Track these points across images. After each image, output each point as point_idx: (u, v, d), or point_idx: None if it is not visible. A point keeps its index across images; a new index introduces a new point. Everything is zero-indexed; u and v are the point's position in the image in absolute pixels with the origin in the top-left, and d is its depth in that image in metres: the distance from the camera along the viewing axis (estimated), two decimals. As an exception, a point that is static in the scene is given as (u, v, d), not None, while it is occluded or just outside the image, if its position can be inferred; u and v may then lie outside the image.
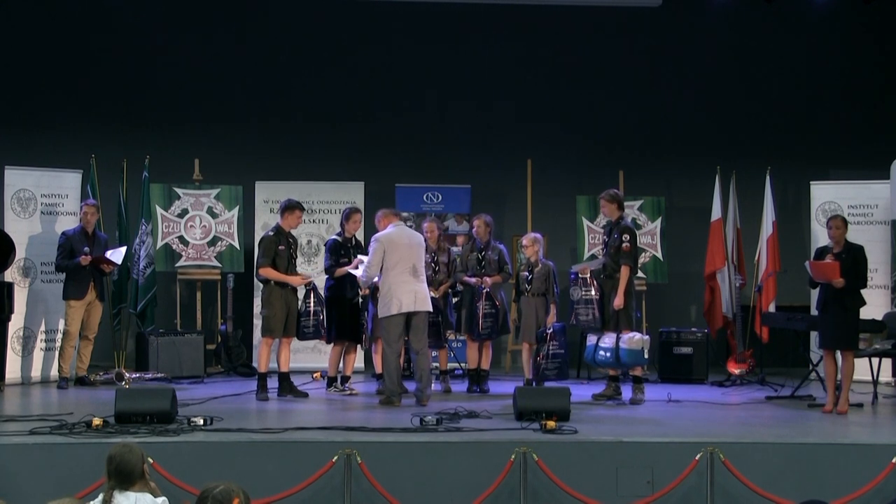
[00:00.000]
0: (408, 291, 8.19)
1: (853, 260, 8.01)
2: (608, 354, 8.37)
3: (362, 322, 8.86)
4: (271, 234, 8.77)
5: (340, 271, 8.72)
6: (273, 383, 8.73)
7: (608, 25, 11.99)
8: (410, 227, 9.22)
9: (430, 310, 8.36)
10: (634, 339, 8.33)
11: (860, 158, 11.37)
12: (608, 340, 8.39)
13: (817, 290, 8.31)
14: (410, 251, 8.29)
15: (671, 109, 11.95)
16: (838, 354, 8.12)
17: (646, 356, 8.43)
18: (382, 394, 8.82)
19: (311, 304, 8.66)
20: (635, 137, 11.86)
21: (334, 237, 8.97)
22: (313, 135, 11.80)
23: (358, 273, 8.56)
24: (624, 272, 8.39)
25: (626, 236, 8.45)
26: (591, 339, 8.56)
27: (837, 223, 8.14)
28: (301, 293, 8.82)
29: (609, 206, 8.62)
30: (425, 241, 8.88)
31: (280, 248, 8.65)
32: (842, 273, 7.89)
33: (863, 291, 8.17)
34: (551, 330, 8.92)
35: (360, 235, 9.40)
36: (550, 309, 9.02)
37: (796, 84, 12.02)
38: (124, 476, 4.16)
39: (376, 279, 8.33)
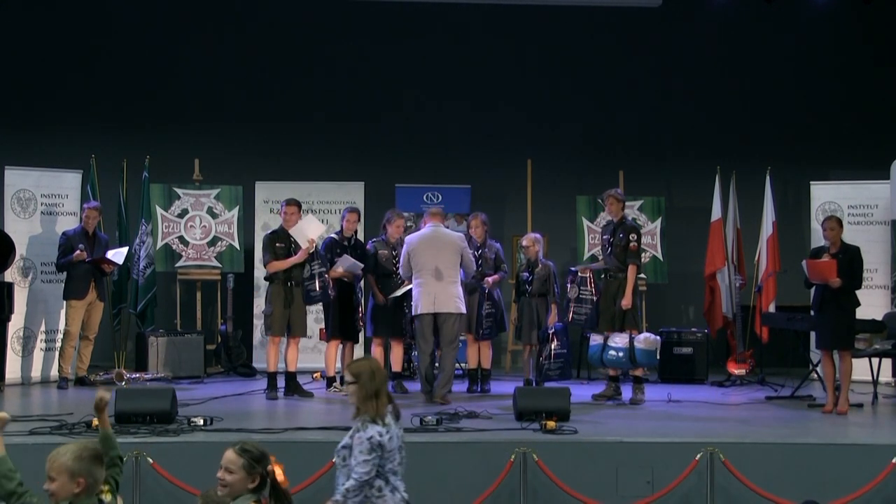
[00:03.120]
0: (427, 294, 8.31)
1: (850, 260, 8.00)
2: (621, 354, 8.35)
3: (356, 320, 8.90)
4: (269, 232, 8.94)
5: (333, 273, 8.73)
6: (279, 382, 8.75)
7: (608, 25, 12.00)
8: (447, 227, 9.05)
9: (455, 311, 8.34)
10: (650, 340, 8.38)
11: (860, 158, 11.37)
12: (619, 340, 8.36)
13: (813, 290, 8.31)
14: (435, 254, 8.34)
15: (671, 109, 11.96)
16: (836, 354, 8.13)
17: (657, 356, 8.51)
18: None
19: (316, 267, 8.66)
20: (635, 137, 11.86)
21: (332, 236, 9.01)
22: (313, 135, 11.80)
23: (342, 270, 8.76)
24: (631, 271, 8.39)
25: (633, 235, 8.46)
26: (597, 339, 8.54)
27: (832, 224, 8.11)
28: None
29: (617, 205, 8.61)
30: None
31: (278, 245, 8.70)
32: (838, 273, 7.88)
33: (862, 291, 8.17)
34: (553, 330, 8.92)
35: (360, 236, 9.44)
36: (551, 309, 9.02)
37: (796, 84, 12.02)
38: None
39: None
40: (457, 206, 10.98)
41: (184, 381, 9.61)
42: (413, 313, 8.45)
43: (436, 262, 8.31)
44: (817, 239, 10.05)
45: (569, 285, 8.74)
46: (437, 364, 8.55)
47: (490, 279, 9.02)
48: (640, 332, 8.46)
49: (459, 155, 11.75)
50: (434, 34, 12.00)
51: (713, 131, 11.92)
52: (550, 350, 8.88)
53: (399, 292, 8.85)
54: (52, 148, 10.96)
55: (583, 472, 6.39)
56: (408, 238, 8.63)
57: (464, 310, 8.47)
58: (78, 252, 9.11)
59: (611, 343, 8.40)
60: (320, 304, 9.09)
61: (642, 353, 8.33)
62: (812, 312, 8.46)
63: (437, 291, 8.29)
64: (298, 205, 8.90)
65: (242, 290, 10.75)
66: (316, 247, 8.68)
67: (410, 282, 8.58)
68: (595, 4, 11.83)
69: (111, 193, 10.58)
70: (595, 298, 8.56)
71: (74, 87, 11.56)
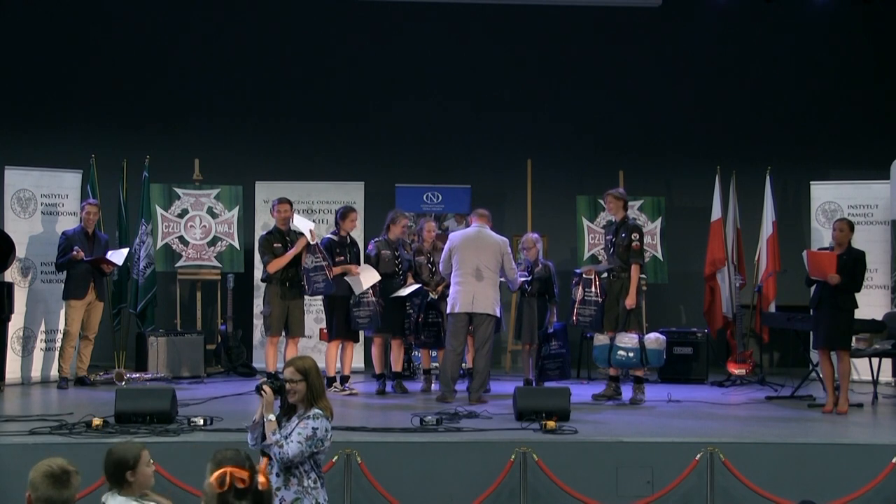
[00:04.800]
0: (466, 293, 8.30)
1: (853, 262, 7.97)
2: (631, 355, 8.33)
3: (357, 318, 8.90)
4: (264, 233, 9.02)
5: (335, 270, 8.73)
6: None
7: (608, 25, 12.00)
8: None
9: (491, 313, 8.34)
10: (660, 340, 8.42)
11: (860, 158, 11.37)
12: (628, 341, 8.35)
13: (813, 288, 8.30)
14: (477, 253, 8.35)
15: (671, 109, 11.95)
16: (834, 355, 8.12)
17: (664, 356, 8.55)
18: (382, 394, 8.88)
19: (319, 259, 8.66)
20: (635, 137, 11.85)
21: (329, 236, 8.99)
22: (313, 135, 11.80)
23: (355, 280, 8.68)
24: (634, 271, 8.39)
25: (635, 235, 8.45)
26: (601, 340, 8.51)
27: (842, 226, 8.05)
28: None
29: (615, 204, 8.61)
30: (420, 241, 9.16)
31: (276, 245, 8.75)
32: (838, 271, 7.86)
33: (862, 292, 8.16)
34: (552, 330, 8.92)
35: (360, 236, 9.43)
36: (551, 309, 9.02)
37: (796, 84, 12.02)
38: (111, 476, 4.11)
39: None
40: (457, 206, 10.98)
41: (184, 381, 9.61)
42: (448, 311, 8.43)
43: (477, 262, 8.31)
44: (817, 239, 10.08)
45: (573, 287, 8.73)
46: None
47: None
48: (642, 332, 8.45)
49: (459, 155, 11.75)
50: (434, 34, 12.00)
51: (713, 131, 11.92)
52: (549, 349, 8.88)
53: (403, 292, 8.83)
54: (52, 148, 10.97)
55: (583, 472, 6.39)
56: (451, 235, 8.67)
57: (498, 313, 8.47)
58: (75, 252, 9.10)
59: (619, 343, 8.38)
60: (320, 304, 9.11)
61: (654, 353, 8.37)
62: (811, 311, 8.45)
63: (475, 291, 8.29)
64: (290, 203, 8.99)
65: (242, 290, 10.75)
66: (318, 242, 8.72)
67: (448, 280, 8.56)
68: (595, 4, 11.83)
69: (111, 193, 10.58)
70: (600, 300, 8.55)
71: (74, 87, 11.56)
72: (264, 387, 4.48)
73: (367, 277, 8.70)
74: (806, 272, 8.18)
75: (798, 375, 9.56)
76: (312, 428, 4.41)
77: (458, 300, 8.32)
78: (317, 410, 4.47)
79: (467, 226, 8.83)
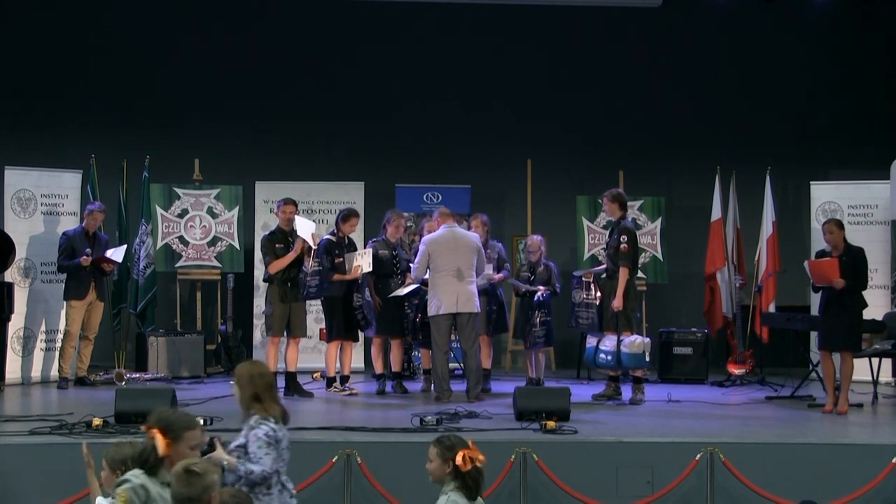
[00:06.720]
0: (449, 293, 8.33)
1: (853, 261, 7.97)
2: (609, 357, 8.35)
3: (359, 320, 8.89)
4: (266, 234, 9.02)
5: (339, 277, 8.72)
6: (279, 382, 8.75)
7: (608, 25, 12.00)
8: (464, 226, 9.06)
9: (475, 311, 8.40)
10: (636, 343, 8.32)
11: (860, 158, 11.37)
12: (608, 343, 8.36)
13: (819, 293, 8.28)
14: (455, 254, 8.39)
15: (671, 109, 11.95)
16: (836, 355, 8.11)
17: (647, 359, 8.45)
18: (382, 394, 8.88)
19: (316, 265, 8.67)
20: (635, 137, 11.85)
21: (327, 237, 8.96)
22: (313, 135, 11.80)
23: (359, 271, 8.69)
24: (622, 273, 8.36)
25: (623, 237, 8.41)
26: (591, 342, 8.55)
27: (831, 227, 8.05)
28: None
29: (610, 206, 8.61)
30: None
31: (277, 245, 8.75)
32: (841, 274, 7.86)
33: (864, 292, 8.16)
34: (539, 299, 8.94)
35: (360, 236, 9.42)
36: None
37: (796, 84, 12.02)
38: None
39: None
40: (457, 206, 10.92)
41: (184, 381, 9.62)
42: (432, 313, 8.43)
43: (457, 263, 8.35)
44: (817, 238, 10.05)
45: (573, 290, 8.76)
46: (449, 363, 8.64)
47: (497, 276, 9.07)
48: (632, 334, 8.42)
49: (459, 155, 11.75)
50: (434, 34, 12.00)
51: (713, 131, 11.92)
52: (537, 319, 8.92)
53: (401, 292, 8.83)
54: (52, 148, 10.96)
55: (583, 472, 6.39)
56: (426, 238, 8.64)
57: (479, 309, 8.54)
58: (84, 258, 9.11)
59: (601, 346, 8.41)
60: (319, 304, 9.12)
61: (627, 357, 8.30)
62: (818, 314, 8.42)
63: (458, 291, 8.34)
64: (295, 204, 8.99)
65: (242, 290, 10.75)
66: (319, 244, 8.72)
67: (419, 282, 8.57)
68: (595, 4, 11.83)
69: (111, 193, 10.57)
70: (598, 302, 8.58)
71: (74, 87, 11.56)
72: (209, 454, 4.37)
73: (364, 262, 8.72)
74: (811, 280, 8.17)
75: (798, 375, 9.55)
76: (263, 435, 4.47)
77: (443, 302, 8.35)
78: (253, 419, 4.51)
79: (463, 225, 8.82)
